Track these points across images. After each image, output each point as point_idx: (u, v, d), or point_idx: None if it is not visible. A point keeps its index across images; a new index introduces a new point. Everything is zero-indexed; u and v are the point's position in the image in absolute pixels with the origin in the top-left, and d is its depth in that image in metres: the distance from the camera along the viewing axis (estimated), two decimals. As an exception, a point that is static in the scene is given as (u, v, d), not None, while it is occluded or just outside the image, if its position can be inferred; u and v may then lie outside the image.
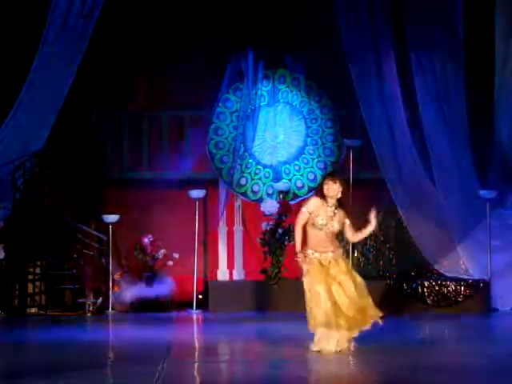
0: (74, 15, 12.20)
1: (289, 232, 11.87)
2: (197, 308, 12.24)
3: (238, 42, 13.05)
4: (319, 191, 8.01)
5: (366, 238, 13.36)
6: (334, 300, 7.80)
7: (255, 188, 13.23)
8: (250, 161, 13.24)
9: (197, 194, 12.62)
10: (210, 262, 13.27)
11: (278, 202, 12.48)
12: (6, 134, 12.17)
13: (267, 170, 13.27)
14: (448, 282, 12.36)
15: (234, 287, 12.54)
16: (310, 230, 7.96)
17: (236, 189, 13.17)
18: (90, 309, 12.04)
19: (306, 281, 7.92)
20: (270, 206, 12.29)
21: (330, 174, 8.19)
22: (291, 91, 13.39)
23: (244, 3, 13.13)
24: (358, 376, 6.90)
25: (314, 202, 7.96)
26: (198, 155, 13.32)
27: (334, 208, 7.92)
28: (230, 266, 13.10)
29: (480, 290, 12.33)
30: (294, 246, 8.07)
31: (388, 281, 12.48)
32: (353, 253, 13.13)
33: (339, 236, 8.23)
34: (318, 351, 7.82)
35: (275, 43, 13.14)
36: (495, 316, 12.02)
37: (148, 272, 12.59)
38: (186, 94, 13.27)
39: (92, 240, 12.52)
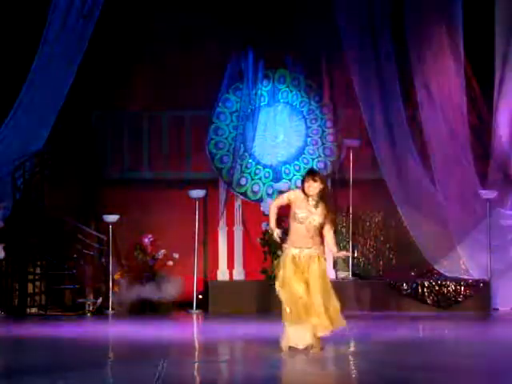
0: (74, 15, 12.20)
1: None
2: (197, 308, 12.25)
3: (238, 42, 13.04)
4: (300, 189, 8.04)
5: (365, 238, 13.50)
6: (303, 298, 7.82)
7: (255, 188, 13.23)
8: (250, 161, 13.24)
9: (197, 194, 12.62)
10: (210, 262, 13.27)
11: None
12: (5, 133, 12.17)
13: (267, 169, 13.27)
14: (448, 282, 12.37)
15: (234, 287, 12.55)
16: (292, 225, 7.97)
17: (236, 189, 13.16)
18: (90, 309, 12.05)
19: (279, 276, 7.96)
20: (270, 206, 12.27)
21: (310, 173, 8.12)
22: (291, 91, 13.39)
23: (244, 3, 13.12)
24: (358, 376, 6.90)
25: (295, 192, 8.04)
26: (198, 155, 13.33)
27: (315, 203, 7.90)
28: (230, 266, 13.10)
29: (480, 290, 12.33)
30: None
31: (388, 281, 12.48)
32: (353, 253, 13.14)
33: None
34: (289, 347, 7.86)
35: (275, 43, 13.14)
36: (495, 316, 12.02)
37: (148, 272, 12.59)
38: (186, 94, 13.28)
39: (92, 240, 12.53)
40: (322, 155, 13.35)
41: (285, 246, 8.04)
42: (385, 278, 12.80)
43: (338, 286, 12.31)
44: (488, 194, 12.52)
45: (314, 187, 7.88)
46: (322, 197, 7.94)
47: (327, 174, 13.26)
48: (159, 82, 13.34)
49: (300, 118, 13.39)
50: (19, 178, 12.40)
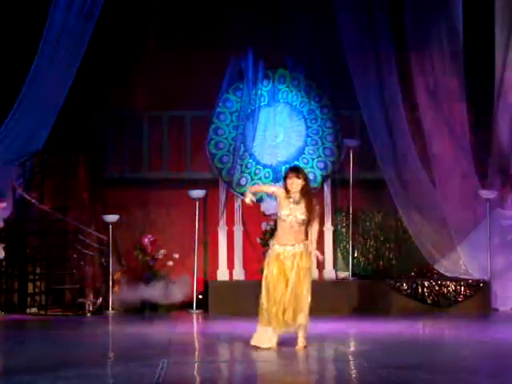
0: (74, 15, 12.19)
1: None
2: (197, 308, 12.25)
3: (238, 42, 13.04)
4: (282, 186, 8.17)
5: (365, 238, 13.50)
6: (276, 297, 8.09)
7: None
8: (250, 161, 13.24)
9: (197, 194, 12.63)
10: (210, 262, 13.27)
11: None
12: (5, 133, 12.16)
13: (267, 169, 13.26)
14: (448, 282, 12.37)
15: (234, 287, 12.54)
16: (278, 222, 8.18)
17: (236, 189, 13.16)
18: (90, 309, 12.04)
19: (264, 274, 8.24)
20: (270, 206, 12.28)
21: (294, 169, 8.23)
22: (291, 91, 13.39)
23: (244, 3, 13.12)
24: (358, 376, 6.90)
25: (279, 190, 8.16)
26: (198, 155, 13.33)
27: (297, 200, 8.03)
28: (230, 266, 13.09)
29: (480, 290, 12.33)
30: None
31: (388, 281, 12.48)
32: (353, 253, 13.15)
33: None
34: (255, 346, 8.12)
35: (275, 43, 13.14)
36: (495, 316, 12.02)
37: (148, 272, 12.59)
38: (186, 94, 13.28)
39: (92, 240, 12.51)
40: (322, 155, 13.35)
41: (271, 242, 8.26)
42: (385, 278, 12.79)
43: (338, 286, 12.49)
44: (488, 194, 12.52)
45: (297, 184, 8.02)
46: (305, 193, 8.07)
47: (327, 174, 13.29)
48: (159, 82, 13.34)
49: (300, 118, 13.39)
50: (19, 177, 12.40)
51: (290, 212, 8.04)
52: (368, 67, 12.78)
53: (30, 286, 12.46)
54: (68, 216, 12.55)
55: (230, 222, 13.20)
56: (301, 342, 8.19)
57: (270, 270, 8.16)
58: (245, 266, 13.02)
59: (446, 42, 12.88)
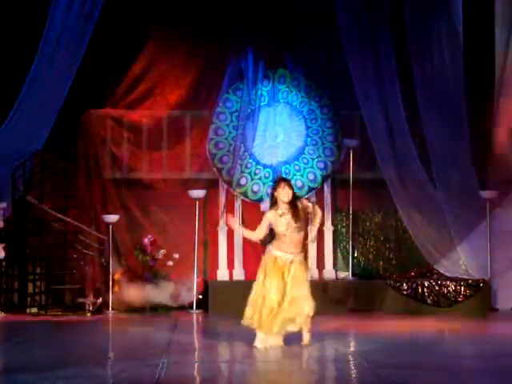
0: (74, 15, 12.20)
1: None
2: (197, 308, 12.25)
3: (238, 42, 13.04)
4: (271, 198, 8.40)
5: (365, 238, 13.50)
6: (277, 300, 8.18)
7: (255, 188, 13.22)
8: (250, 161, 13.24)
9: (197, 194, 12.62)
10: (210, 262, 13.26)
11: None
12: (6, 133, 12.17)
13: (267, 169, 13.26)
14: (448, 282, 12.37)
15: (234, 287, 12.53)
16: (278, 236, 8.33)
17: (236, 189, 13.16)
18: (90, 309, 12.05)
19: (260, 277, 8.32)
20: (271, 206, 12.27)
21: (284, 179, 8.60)
22: (291, 91, 13.39)
23: (244, 3, 13.11)
24: (358, 376, 6.90)
25: (268, 218, 8.34)
26: (198, 155, 13.32)
27: (285, 209, 8.24)
28: (230, 266, 13.10)
29: (480, 290, 12.33)
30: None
31: (388, 281, 12.48)
32: (353, 253, 13.15)
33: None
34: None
35: (275, 43, 13.14)
36: (495, 316, 12.02)
37: (148, 272, 12.59)
38: (186, 94, 13.27)
39: (92, 240, 12.52)
40: (322, 155, 13.35)
41: (269, 247, 8.39)
42: (385, 277, 12.79)
43: (338, 286, 12.49)
44: (488, 194, 12.53)
45: (289, 194, 8.28)
46: (291, 201, 8.28)
47: (327, 174, 13.29)
48: (159, 81, 13.33)
49: (300, 118, 13.39)
50: (19, 177, 12.41)
51: (287, 226, 8.25)
52: (368, 67, 12.78)
53: (30, 286, 12.47)
54: (68, 216, 12.55)
55: (230, 222, 13.17)
56: (306, 337, 8.33)
57: (269, 277, 8.27)
58: (245, 266, 13.02)
59: (445, 42, 12.88)
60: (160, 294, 12.34)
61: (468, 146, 12.76)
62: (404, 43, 12.83)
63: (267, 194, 13.03)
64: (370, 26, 12.79)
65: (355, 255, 13.29)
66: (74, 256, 12.45)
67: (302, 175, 13.25)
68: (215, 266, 13.12)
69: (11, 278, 12.44)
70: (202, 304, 12.37)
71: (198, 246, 12.67)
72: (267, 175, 13.23)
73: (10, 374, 6.85)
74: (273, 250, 8.34)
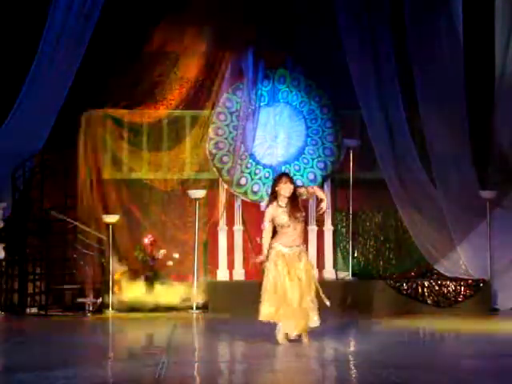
0: (74, 15, 12.20)
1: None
2: (197, 308, 12.25)
3: (238, 42, 13.04)
4: (272, 192, 8.48)
5: (365, 238, 13.50)
6: (287, 294, 8.31)
7: (255, 188, 13.23)
8: (250, 161, 13.24)
9: (197, 194, 12.62)
10: (210, 262, 13.26)
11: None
12: (6, 133, 12.17)
13: (267, 169, 13.26)
14: (448, 282, 12.38)
15: (234, 287, 12.54)
16: (279, 229, 8.39)
17: (236, 189, 13.16)
18: (90, 309, 12.04)
19: (269, 273, 8.39)
20: (271, 206, 12.27)
21: (286, 175, 8.64)
22: (291, 91, 13.39)
23: (244, 3, 13.11)
24: (358, 376, 6.90)
25: (271, 209, 8.39)
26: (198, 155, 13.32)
27: (285, 203, 8.34)
28: (230, 266, 13.10)
29: (480, 290, 12.34)
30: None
31: (388, 281, 12.48)
32: (353, 253, 13.15)
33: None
34: (285, 334, 8.40)
35: (275, 43, 13.14)
36: (495, 316, 12.02)
37: (148, 272, 12.59)
38: (186, 94, 13.27)
39: (92, 240, 12.52)
40: (322, 155, 13.35)
41: (273, 244, 8.41)
42: (385, 277, 12.79)
43: (338, 286, 12.49)
44: (488, 194, 12.53)
45: (290, 188, 8.39)
46: (291, 196, 8.36)
47: (327, 174, 13.29)
48: (159, 82, 13.33)
49: (300, 118, 13.39)
50: (19, 177, 12.40)
51: (288, 217, 8.31)
52: (368, 67, 12.78)
53: (30, 286, 12.46)
54: (68, 216, 12.55)
55: (230, 222, 13.20)
56: (306, 337, 8.43)
57: (281, 273, 8.34)
58: (245, 265, 13.02)
59: (445, 42, 12.88)
60: (160, 293, 12.34)
61: (468, 146, 12.76)
62: (404, 43, 12.84)
63: (268, 194, 13.06)
64: (370, 26, 12.79)
65: (355, 255, 13.29)
66: (74, 256, 12.45)
67: (302, 175, 13.25)
68: (215, 265, 13.12)
69: (11, 278, 12.44)
70: (202, 304, 12.36)
71: (198, 246, 12.67)
72: (267, 175, 13.23)
73: (10, 373, 6.85)
74: (277, 246, 8.38)
